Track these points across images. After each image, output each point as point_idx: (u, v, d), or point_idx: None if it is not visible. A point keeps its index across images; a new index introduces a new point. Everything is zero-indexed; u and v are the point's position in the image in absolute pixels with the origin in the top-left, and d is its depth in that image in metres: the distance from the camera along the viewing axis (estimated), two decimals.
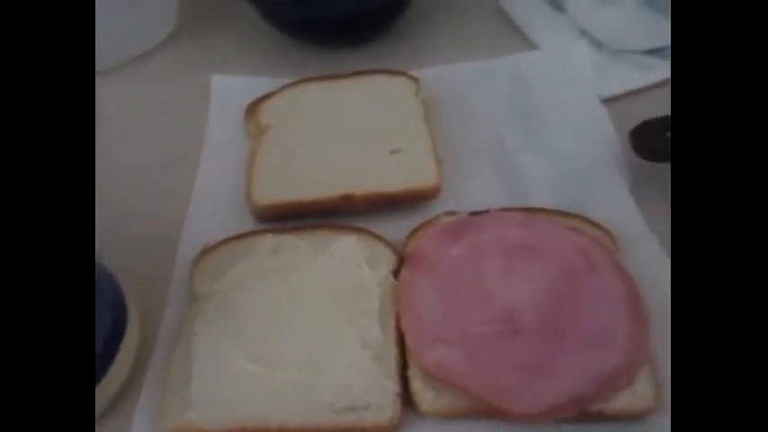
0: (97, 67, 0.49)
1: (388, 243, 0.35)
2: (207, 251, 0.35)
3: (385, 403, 0.28)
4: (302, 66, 0.48)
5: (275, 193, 0.36)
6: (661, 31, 0.46)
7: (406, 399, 0.29)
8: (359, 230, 0.35)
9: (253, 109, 0.42)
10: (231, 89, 0.45)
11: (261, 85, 0.45)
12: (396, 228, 0.36)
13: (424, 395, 0.28)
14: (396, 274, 0.33)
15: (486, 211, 0.35)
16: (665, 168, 0.37)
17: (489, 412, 0.28)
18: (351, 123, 0.40)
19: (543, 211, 0.35)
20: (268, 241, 0.35)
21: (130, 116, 0.46)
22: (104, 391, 0.29)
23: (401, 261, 0.34)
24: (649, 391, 0.28)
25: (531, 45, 0.49)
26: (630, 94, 0.43)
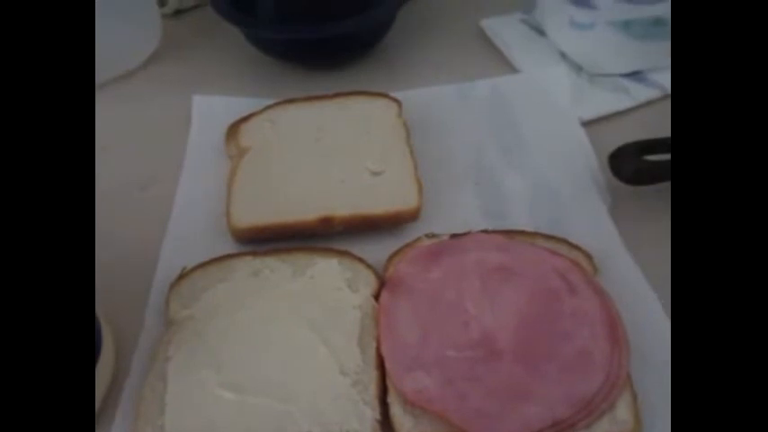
0: None
1: (368, 265, 0.34)
2: (185, 275, 0.34)
3: (363, 431, 0.28)
4: (284, 87, 0.48)
5: (255, 215, 0.36)
6: (638, 56, 0.46)
7: (386, 425, 0.28)
8: (340, 253, 0.35)
9: (233, 130, 0.42)
10: (212, 109, 0.45)
11: (242, 105, 0.45)
12: (377, 250, 0.35)
13: (403, 422, 0.28)
14: (377, 296, 0.33)
15: (467, 234, 0.35)
16: (644, 191, 0.37)
17: None
18: (332, 145, 0.40)
19: (523, 233, 0.35)
20: (247, 264, 0.34)
21: (111, 134, 0.45)
22: None
23: (382, 284, 0.33)
24: (629, 416, 0.28)
25: (511, 68, 0.49)
26: (609, 116, 0.44)
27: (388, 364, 0.30)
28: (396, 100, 0.43)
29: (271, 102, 0.44)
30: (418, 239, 0.35)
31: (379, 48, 0.51)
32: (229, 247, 0.37)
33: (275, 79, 0.50)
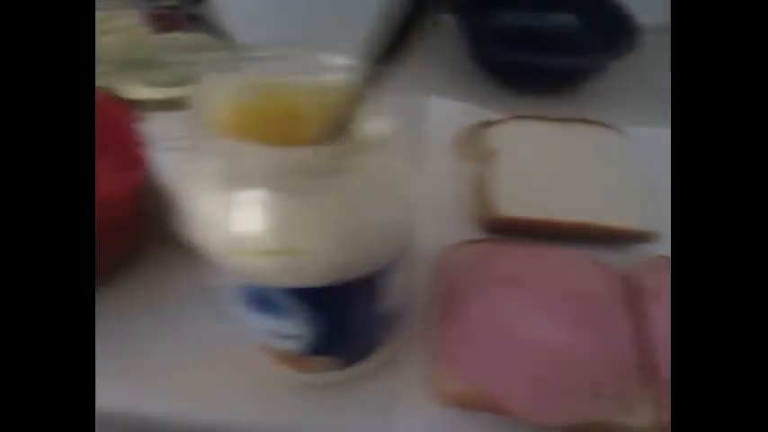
0: None
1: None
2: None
3: None
4: (502, 108, 0.52)
5: (513, 208, 0.41)
6: None
7: None
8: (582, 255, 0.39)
9: (475, 132, 0.47)
10: (446, 112, 0.50)
11: (473, 113, 0.50)
12: (613, 260, 0.39)
13: None
14: None
15: None
16: None
17: None
18: (572, 161, 0.44)
19: None
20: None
21: None
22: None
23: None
24: None
25: None
26: None
27: None
28: (625, 133, 0.47)
29: (494, 115, 0.49)
30: (655, 257, 0.39)
31: (599, 81, 0.55)
32: (470, 235, 0.41)
33: (492, 98, 0.54)
